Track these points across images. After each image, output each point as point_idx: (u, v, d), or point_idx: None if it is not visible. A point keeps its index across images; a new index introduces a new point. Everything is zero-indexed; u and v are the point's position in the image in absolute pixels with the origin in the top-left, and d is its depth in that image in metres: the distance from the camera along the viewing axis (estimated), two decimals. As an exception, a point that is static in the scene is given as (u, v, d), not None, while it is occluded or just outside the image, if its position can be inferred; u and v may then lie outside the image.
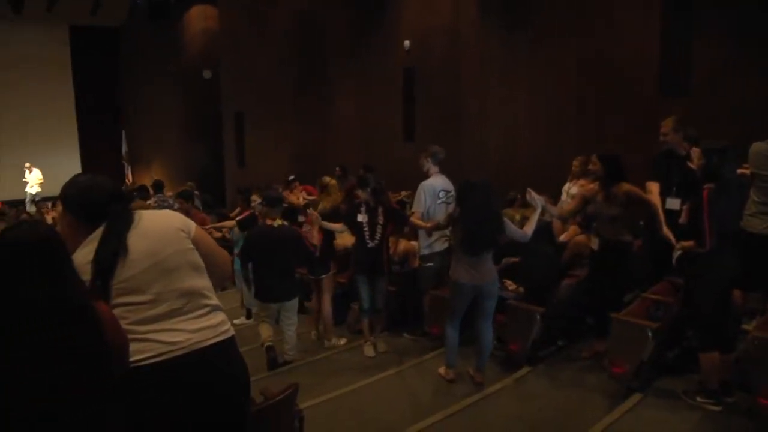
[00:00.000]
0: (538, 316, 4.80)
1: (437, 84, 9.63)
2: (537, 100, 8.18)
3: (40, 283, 1.72)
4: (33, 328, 1.69)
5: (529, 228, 4.71)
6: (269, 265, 5.26)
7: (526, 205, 5.81)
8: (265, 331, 5.44)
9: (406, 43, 10.01)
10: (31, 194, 16.51)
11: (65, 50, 19.76)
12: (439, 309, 5.40)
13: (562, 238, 5.82)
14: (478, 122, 8.99)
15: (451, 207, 5.33)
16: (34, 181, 16.25)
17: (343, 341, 6.13)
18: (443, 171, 5.80)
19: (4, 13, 15.96)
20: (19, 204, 12.65)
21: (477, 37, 8.97)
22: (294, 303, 5.52)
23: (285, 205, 5.94)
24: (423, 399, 4.56)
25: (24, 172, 16.73)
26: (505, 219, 4.68)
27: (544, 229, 5.23)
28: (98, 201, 2.15)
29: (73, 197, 2.18)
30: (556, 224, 6.04)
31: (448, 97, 9.44)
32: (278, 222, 5.35)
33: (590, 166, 5.02)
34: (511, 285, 5.56)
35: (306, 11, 12.24)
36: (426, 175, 5.76)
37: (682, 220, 4.06)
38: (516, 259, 5.70)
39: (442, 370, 4.85)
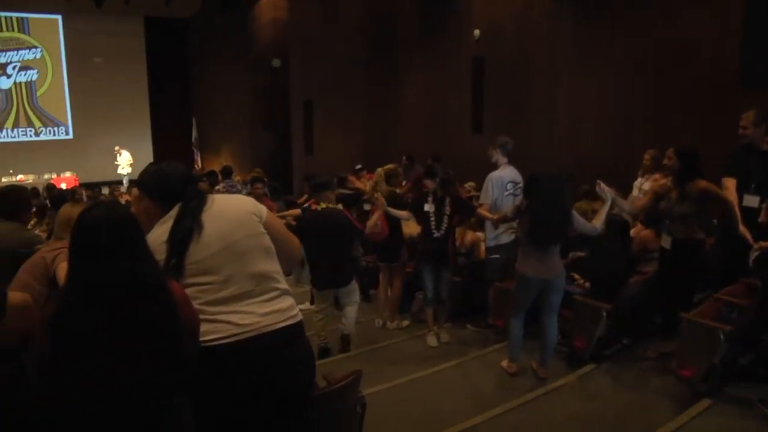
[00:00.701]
0: (605, 313, 4.70)
1: (506, 74, 9.51)
2: (608, 91, 7.99)
3: (117, 261, 1.78)
4: (110, 304, 1.75)
5: (599, 221, 4.61)
6: (320, 250, 5.22)
7: (596, 197, 5.69)
8: (320, 331, 5.39)
9: (476, 32, 9.93)
10: (123, 175, 17.15)
11: (140, 41, 20.51)
12: (503, 301, 5.37)
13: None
14: (547, 113, 8.84)
15: (519, 199, 5.28)
16: (125, 162, 16.88)
17: (405, 323, 6.24)
18: (511, 162, 5.73)
19: (88, 6, 16.66)
20: (95, 186, 13.17)
21: (548, 26, 8.81)
22: (352, 287, 5.45)
23: (349, 191, 5.95)
24: (484, 391, 4.55)
25: (115, 156, 17.45)
26: (574, 212, 4.58)
27: (618, 224, 5.08)
28: (174, 183, 2.25)
29: (150, 179, 2.29)
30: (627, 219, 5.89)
31: (517, 87, 9.32)
32: (322, 205, 5.30)
33: (665, 161, 4.86)
34: (578, 279, 5.47)
35: (376, 0, 12.27)
36: (494, 167, 5.71)
37: (762, 218, 3.90)
38: (583, 254, 5.60)
39: (505, 363, 4.83)
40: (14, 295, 2.04)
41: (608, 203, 4.64)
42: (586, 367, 4.77)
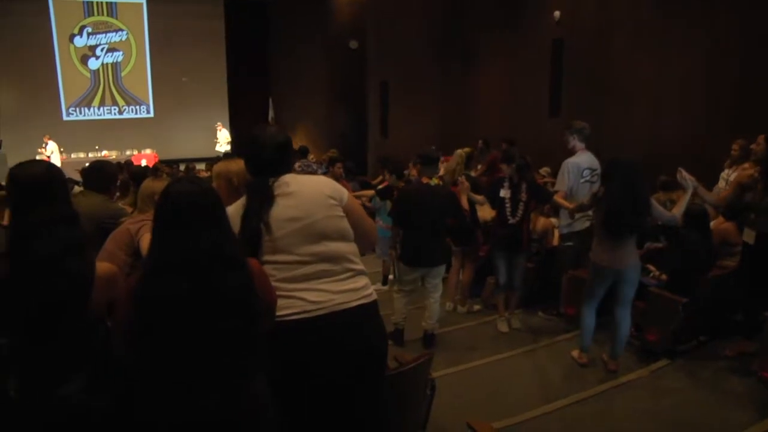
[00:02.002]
0: (681, 307, 4.55)
1: (586, 57, 9.24)
2: (693, 76, 7.63)
3: (199, 234, 1.84)
4: (191, 276, 1.82)
5: (678, 210, 4.45)
6: (419, 225, 5.06)
7: (675, 188, 5.51)
8: (399, 308, 5.27)
9: (556, 13, 9.66)
10: (220, 152, 17.62)
11: (220, 23, 21.00)
12: (576, 290, 5.28)
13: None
14: (627, 98, 8.55)
15: (596, 186, 5.18)
16: (223, 140, 17.33)
17: (477, 307, 6.25)
18: (589, 148, 5.57)
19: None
20: (173, 164, 13.63)
21: (630, 8, 8.50)
22: (440, 270, 5.30)
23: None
24: (553, 380, 4.52)
25: (215, 132, 17.91)
26: (653, 200, 4.43)
27: (697, 215, 4.89)
28: (262, 156, 2.34)
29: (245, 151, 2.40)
30: (710, 211, 5.67)
31: (596, 70, 9.05)
32: (435, 181, 5.22)
33: (753, 146, 4.57)
34: (653, 271, 5.33)
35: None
36: (571, 152, 5.55)
37: None
38: (660, 245, 5.44)
39: (575, 353, 4.78)
40: (102, 265, 2.14)
41: (689, 192, 4.47)
42: (659, 363, 4.66)
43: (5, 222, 7.13)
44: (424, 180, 5.23)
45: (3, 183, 10.64)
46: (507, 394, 4.32)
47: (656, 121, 8.14)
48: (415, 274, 5.26)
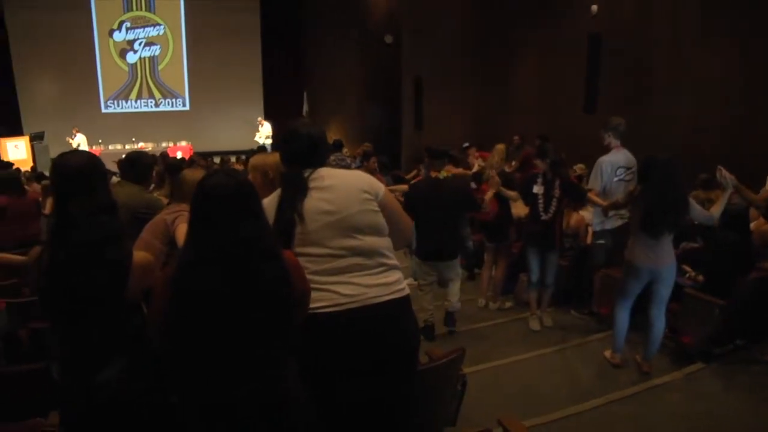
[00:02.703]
0: (718, 309, 4.47)
1: (624, 51, 9.08)
2: (739, 72, 7.45)
3: (235, 226, 1.85)
4: (226, 267, 1.84)
5: (716, 209, 4.36)
6: (431, 219, 5.05)
7: (714, 186, 5.39)
8: (426, 305, 5.31)
9: (594, 7, 9.51)
10: (259, 143, 17.72)
11: (255, 17, 21.24)
12: (609, 289, 5.21)
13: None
14: (667, 95, 8.39)
15: (632, 185, 5.10)
16: (264, 134, 17.50)
17: (509, 304, 6.23)
18: (626, 145, 5.49)
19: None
20: (207, 156, 13.80)
21: (672, 1, 8.33)
22: (455, 262, 5.36)
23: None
24: (585, 380, 4.47)
25: (257, 126, 17.95)
26: (691, 199, 4.35)
27: (736, 215, 4.77)
28: (297, 149, 2.36)
29: (281, 143, 2.43)
30: (753, 213, 5.54)
31: (635, 66, 8.89)
32: (444, 173, 5.23)
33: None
34: (689, 272, 5.24)
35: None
36: (606, 150, 5.48)
37: None
38: (696, 245, 5.34)
39: (607, 353, 4.71)
40: (138, 254, 2.18)
41: (728, 191, 4.38)
42: (694, 366, 4.56)
43: (47, 211, 7.36)
44: (433, 174, 5.26)
45: (46, 173, 10.93)
46: (538, 392, 4.29)
47: (698, 118, 7.96)
48: (430, 268, 5.33)
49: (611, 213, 5.28)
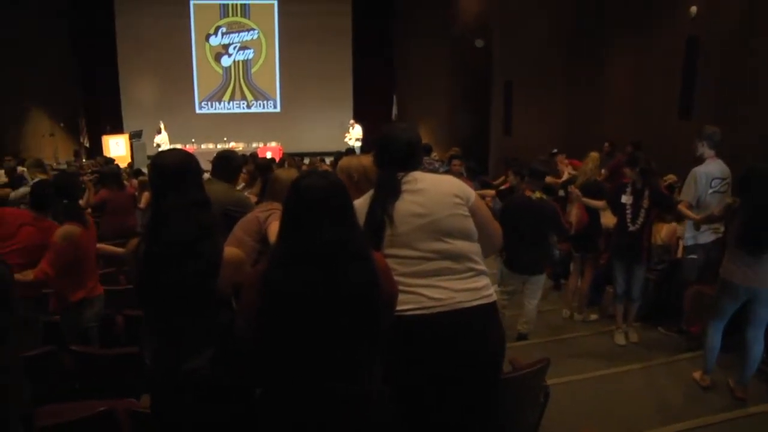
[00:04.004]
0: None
1: (725, 56, 8.62)
2: None
3: (327, 227, 1.88)
4: (317, 268, 1.87)
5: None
6: (521, 236, 5.06)
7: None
8: (501, 308, 5.26)
9: (693, 9, 9.07)
10: (348, 147, 18.07)
11: (347, 21, 21.66)
12: (701, 306, 4.97)
13: None
14: (770, 103, 7.92)
15: (727, 197, 4.85)
16: (354, 136, 17.74)
17: (594, 317, 6.06)
18: (722, 156, 5.22)
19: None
20: (296, 156, 14.12)
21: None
22: (540, 278, 5.35)
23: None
24: (672, 402, 4.27)
25: (348, 128, 18.22)
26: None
27: None
28: (392, 151, 2.39)
29: (376, 145, 2.46)
30: None
31: (736, 71, 8.42)
32: (537, 195, 5.22)
33: None
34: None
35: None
36: (699, 160, 5.22)
37: None
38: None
39: (697, 374, 4.45)
40: (230, 250, 2.25)
41: None
42: (795, 395, 4.26)
43: (142, 205, 7.75)
44: (527, 193, 5.24)
45: (143, 170, 11.47)
46: (621, 410, 4.14)
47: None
48: (516, 279, 5.30)
49: (704, 227, 5.04)
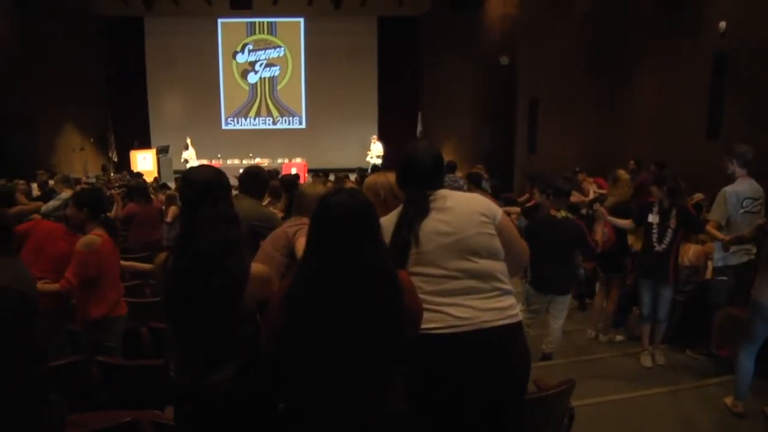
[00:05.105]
0: None
1: (756, 72, 8.49)
2: None
3: (353, 245, 1.89)
4: (342, 286, 1.88)
5: None
6: (547, 256, 5.03)
7: None
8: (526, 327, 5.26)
9: (722, 24, 8.94)
10: (372, 164, 17.74)
11: (372, 39, 21.83)
12: (731, 329, 4.86)
13: None
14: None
15: (759, 217, 4.76)
16: (375, 153, 17.76)
17: (619, 338, 5.98)
18: (753, 175, 5.13)
19: (327, 9, 17.99)
20: (320, 172, 14.20)
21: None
22: (565, 299, 5.33)
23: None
24: (702, 428, 4.16)
25: (369, 144, 18.28)
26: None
27: None
28: (417, 169, 2.39)
29: (400, 164, 2.46)
30: None
31: (767, 88, 8.30)
32: (563, 213, 5.21)
33: None
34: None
35: (607, -2, 11.74)
36: (730, 179, 5.14)
37: None
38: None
39: (729, 400, 4.31)
40: (257, 266, 2.27)
41: None
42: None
43: (169, 219, 7.84)
44: (553, 212, 5.22)
45: (169, 184, 11.64)
46: (647, 434, 4.05)
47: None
48: (541, 298, 5.27)
49: (733, 248, 4.96)
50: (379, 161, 17.22)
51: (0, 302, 1.97)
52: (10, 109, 14.60)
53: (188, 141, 17.45)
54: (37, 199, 8.61)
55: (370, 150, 17.76)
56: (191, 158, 17.07)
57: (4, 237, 2.76)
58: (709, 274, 5.71)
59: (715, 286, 5.34)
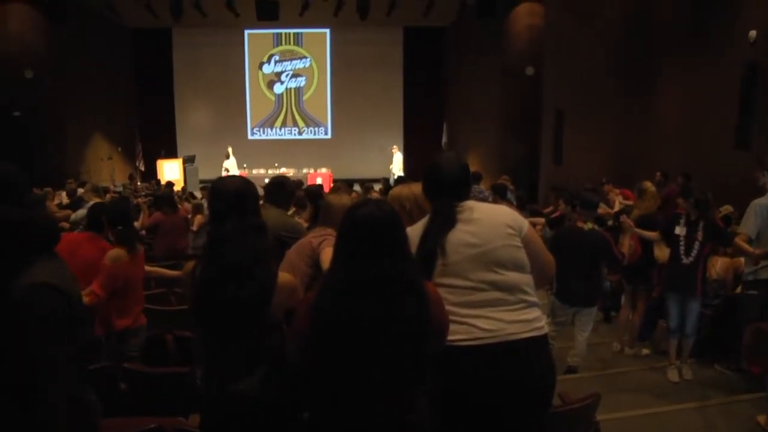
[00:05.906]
0: None
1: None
2: None
3: (380, 257, 1.90)
4: (368, 296, 1.89)
5: None
6: (572, 267, 5.02)
7: None
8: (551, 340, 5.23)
9: (752, 33, 8.81)
10: (396, 176, 17.97)
11: (398, 49, 21.98)
12: (762, 345, 4.78)
13: None
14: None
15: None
16: (396, 163, 17.88)
17: (646, 351, 5.90)
18: (785, 187, 5.04)
19: (353, 19, 18.14)
20: (345, 183, 14.26)
21: None
22: (591, 311, 5.29)
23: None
24: (731, 446, 4.09)
25: (392, 155, 18.42)
26: None
27: None
28: (444, 180, 2.40)
29: (426, 175, 2.47)
30: None
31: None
32: (589, 225, 5.17)
33: None
34: None
35: (635, 2, 11.64)
36: (761, 192, 5.08)
37: None
38: None
39: (761, 418, 4.22)
40: (284, 276, 2.28)
41: None
42: None
43: (195, 228, 7.92)
44: (579, 224, 5.18)
45: (195, 193, 11.78)
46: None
47: None
48: (566, 311, 5.24)
49: (763, 262, 4.87)
50: (400, 173, 17.28)
51: (50, 300, 2.01)
52: (44, 119, 14.94)
53: (229, 150, 17.67)
54: (66, 207, 8.77)
55: (392, 163, 17.82)
56: (232, 167, 17.30)
57: (50, 239, 2.80)
58: (738, 289, 5.61)
59: (745, 301, 5.25)
